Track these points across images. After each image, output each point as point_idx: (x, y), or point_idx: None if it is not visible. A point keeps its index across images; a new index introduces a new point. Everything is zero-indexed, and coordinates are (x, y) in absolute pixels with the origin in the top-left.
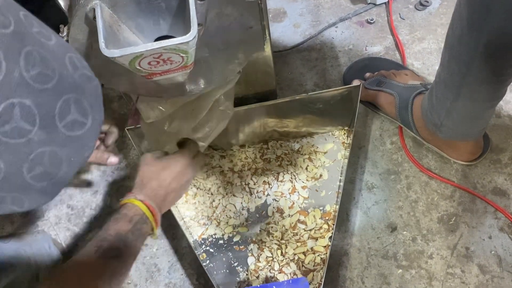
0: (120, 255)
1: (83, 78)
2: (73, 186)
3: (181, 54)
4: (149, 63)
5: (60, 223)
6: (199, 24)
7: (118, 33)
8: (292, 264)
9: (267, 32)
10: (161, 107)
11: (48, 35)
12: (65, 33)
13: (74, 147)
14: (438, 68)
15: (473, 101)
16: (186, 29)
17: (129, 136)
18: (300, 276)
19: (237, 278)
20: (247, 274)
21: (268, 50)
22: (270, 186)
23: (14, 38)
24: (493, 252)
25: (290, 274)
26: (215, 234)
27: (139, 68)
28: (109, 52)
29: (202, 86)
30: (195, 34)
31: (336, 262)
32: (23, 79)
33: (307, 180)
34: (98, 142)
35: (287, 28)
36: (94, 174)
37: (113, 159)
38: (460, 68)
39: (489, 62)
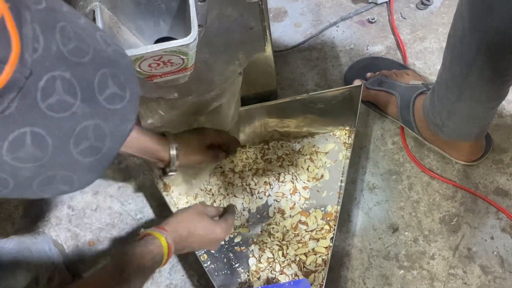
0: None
1: (116, 53)
2: None
3: (182, 56)
4: (149, 65)
5: (60, 224)
6: (199, 26)
7: (118, 35)
8: (293, 265)
9: (268, 33)
10: (160, 111)
11: (78, 14)
12: None
13: (116, 120)
14: (440, 68)
15: (475, 102)
16: (187, 31)
17: None
18: (301, 277)
19: (238, 279)
20: (248, 275)
21: (269, 51)
22: (271, 187)
23: (48, 13)
24: (495, 252)
25: (292, 275)
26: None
27: (140, 70)
28: None
29: (203, 88)
30: (196, 35)
31: (337, 263)
32: (61, 53)
33: (308, 180)
34: None
35: (288, 28)
36: None
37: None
38: (462, 68)
39: (491, 62)
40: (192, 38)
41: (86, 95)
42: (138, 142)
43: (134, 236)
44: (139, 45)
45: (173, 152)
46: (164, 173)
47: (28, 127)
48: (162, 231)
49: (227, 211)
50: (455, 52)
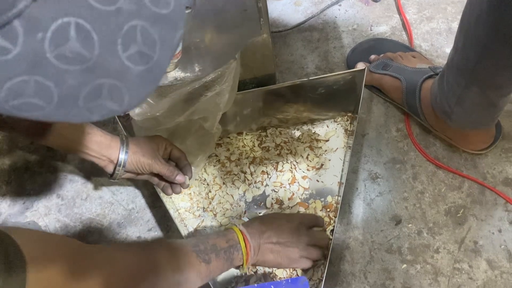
0: (209, 262)
1: None
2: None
3: None
4: None
5: (50, 214)
6: (186, 7)
7: None
8: None
9: (264, 15)
10: (149, 99)
11: None
12: None
13: (163, 26)
14: (451, 51)
15: (487, 88)
16: None
17: (120, 124)
18: (299, 272)
19: (234, 273)
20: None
21: (266, 34)
22: (269, 176)
23: None
24: (502, 246)
25: (289, 269)
26: (211, 226)
27: None
28: None
29: (195, 74)
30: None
31: (337, 256)
32: None
33: (307, 169)
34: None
35: (287, 6)
36: (85, 163)
37: (181, 177)
38: (476, 51)
39: (509, 46)
40: None
41: None
42: (90, 138)
43: (124, 227)
44: None
45: (123, 149)
46: (112, 175)
47: (72, 17)
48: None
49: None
50: (469, 33)
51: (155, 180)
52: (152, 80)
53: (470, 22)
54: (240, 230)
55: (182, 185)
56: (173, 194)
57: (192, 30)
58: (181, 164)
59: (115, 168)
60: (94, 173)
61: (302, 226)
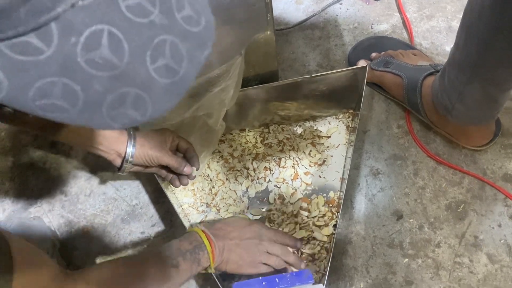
0: (177, 266)
1: None
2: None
3: None
4: None
5: (53, 210)
6: None
7: None
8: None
9: (270, 10)
10: None
11: None
12: None
13: (193, 42)
14: (452, 48)
15: (488, 83)
16: None
17: None
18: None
19: None
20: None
21: (270, 29)
22: (272, 172)
23: None
24: (502, 241)
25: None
26: (214, 222)
27: None
28: None
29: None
30: None
31: (340, 251)
32: None
33: (310, 165)
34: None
35: (289, 5)
36: (88, 159)
37: (188, 169)
38: (478, 48)
39: (510, 39)
40: None
41: (164, 8)
42: (99, 133)
43: (128, 223)
44: None
45: (131, 143)
46: (119, 168)
47: (106, 25)
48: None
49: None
50: (471, 29)
51: (163, 172)
52: (176, 94)
53: (472, 17)
54: (202, 230)
55: (189, 176)
56: (180, 186)
57: None
58: (188, 155)
59: (122, 162)
60: (98, 169)
61: (263, 231)
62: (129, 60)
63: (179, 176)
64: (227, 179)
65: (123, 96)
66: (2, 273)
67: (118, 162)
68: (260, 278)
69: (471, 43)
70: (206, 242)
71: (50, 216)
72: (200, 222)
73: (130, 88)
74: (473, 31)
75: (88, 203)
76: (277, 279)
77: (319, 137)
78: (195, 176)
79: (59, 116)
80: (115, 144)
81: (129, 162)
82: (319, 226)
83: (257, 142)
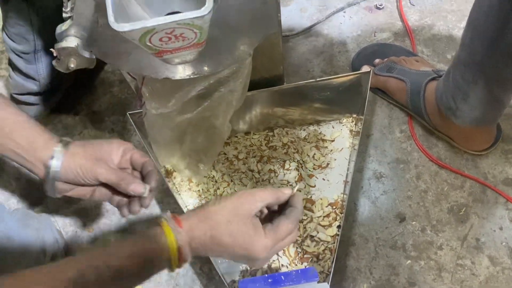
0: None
1: None
2: None
3: (195, 30)
4: (160, 40)
5: (58, 209)
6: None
7: (127, 8)
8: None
9: (279, 10)
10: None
11: None
12: (69, 8)
13: None
14: (458, 50)
15: (494, 83)
16: (198, 5)
17: (131, 121)
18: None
19: (241, 267)
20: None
21: (279, 31)
22: (276, 175)
23: None
24: (504, 243)
25: (296, 263)
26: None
27: (150, 44)
28: (118, 26)
29: (211, 68)
30: (211, 7)
31: (343, 252)
32: None
33: (314, 168)
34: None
35: (294, 13)
36: None
37: (137, 187)
38: (484, 45)
39: None
40: (207, 9)
41: None
42: (20, 127)
43: (135, 225)
44: (148, 18)
45: (59, 149)
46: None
47: None
48: (177, 226)
49: (289, 208)
50: (478, 28)
51: (109, 194)
52: None
53: (479, 16)
54: (178, 247)
55: (142, 202)
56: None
57: (212, 23)
58: (144, 171)
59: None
60: None
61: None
62: None
63: (129, 202)
64: (232, 181)
65: None
66: None
67: (42, 174)
68: (266, 275)
69: (477, 41)
70: (174, 261)
71: (55, 215)
72: None
73: None
74: (480, 29)
75: (93, 203)
76: (282, 277)
77: (323, 140)
78: (150, 201)
79: None
80: (41, 150)
81: (53, 174)
82: (324, 226)
83: (261, 145)
